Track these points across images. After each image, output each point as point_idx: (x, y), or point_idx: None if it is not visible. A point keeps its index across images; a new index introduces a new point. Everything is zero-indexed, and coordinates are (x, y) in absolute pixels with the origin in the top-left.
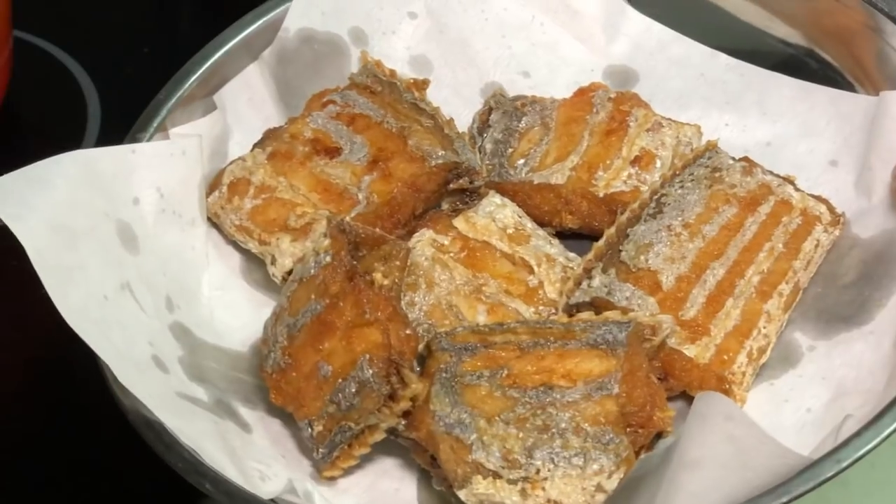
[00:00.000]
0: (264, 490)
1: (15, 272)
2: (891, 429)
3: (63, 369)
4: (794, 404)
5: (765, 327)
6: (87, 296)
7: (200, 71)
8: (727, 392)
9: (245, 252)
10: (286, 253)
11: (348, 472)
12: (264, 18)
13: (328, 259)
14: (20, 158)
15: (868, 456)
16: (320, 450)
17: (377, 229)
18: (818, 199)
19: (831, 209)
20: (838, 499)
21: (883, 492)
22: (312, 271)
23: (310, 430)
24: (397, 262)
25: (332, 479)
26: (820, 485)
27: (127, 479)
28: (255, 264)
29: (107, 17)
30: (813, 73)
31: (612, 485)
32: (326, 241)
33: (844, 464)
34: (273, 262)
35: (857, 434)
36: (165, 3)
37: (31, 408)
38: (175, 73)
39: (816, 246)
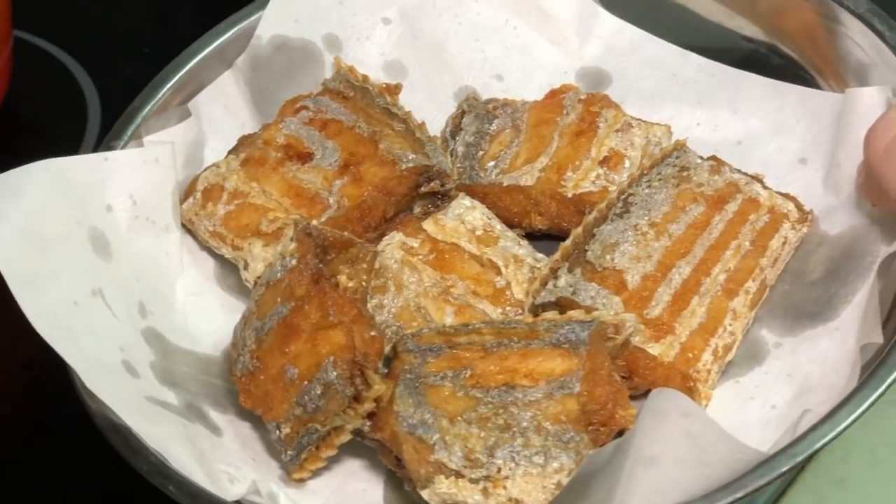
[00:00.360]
0: (233, 492)
1: None
2: (846, 423)
3: (62, 370)
4: (759, 401)
5: (731, 325)
6: (58, 302)
7: (175, 79)
8: (692, 390)
9: (219, 258)
10: (258, 258)
11: (317, 473)
12: (238, 26)
13: (294, 262)
14: (20, 158)
15: (868, 456)
16: (288, 452)
17: (346, 233)
18: (786, 196)
19: (799, 207)
20: (838, 499)
21: (883, 492)
22: (279, 275)
23: (278, 432)
24: (364, 265)
25: (301, 481)
26: (775, 479)
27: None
28: (229, 270)
29: (107, 17)
30: (776, 69)
31: None
32: (293, 245)
33: (799, 458)
34: (246, 267)
35: (813, 428)
36: (165, 3)
37: (30, 408)
38: (172, 61)
39: (784, 243)
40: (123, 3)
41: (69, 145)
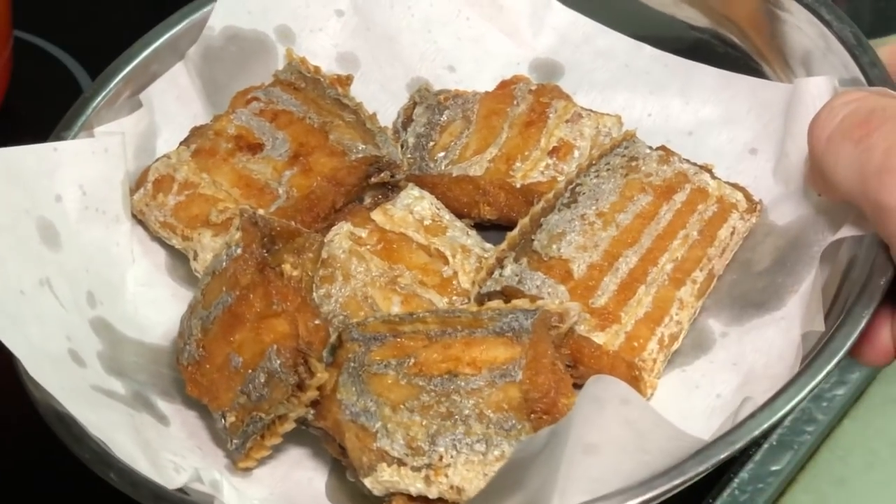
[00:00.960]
0: (178, 481)
1: None
2: (784, 410)
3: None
4: (704, 390)
5: (677, 314)
6: (3, 290)
7: (127, 70)
8: (637, 379)
9: (170, 248)
10: (207, 248)
11: (262, 462)
12: (191, 17)
13: (239, 251)
14: None
15: (868, 456)
16: (234, 441)
17: (294, 223)
18: (735, 186)
19: (748, 197)
20: (838, 499)
21: (883, 492)
22: (224, 264)
23: (223, 421)
24: (310, 255)
25: (247, 469)
26: (713, 466)
27: None
28: (180, 261)
29: (107, 17)
30: (727, 60)
31: None
32: (238, 234)
33: (738, 445)
34: (195, 257)
35: (752, 416)
36: (165, 4)
37: (30, 408)
38: (123, 52)
39: (732, 233)
40: (123, 4)
41: None
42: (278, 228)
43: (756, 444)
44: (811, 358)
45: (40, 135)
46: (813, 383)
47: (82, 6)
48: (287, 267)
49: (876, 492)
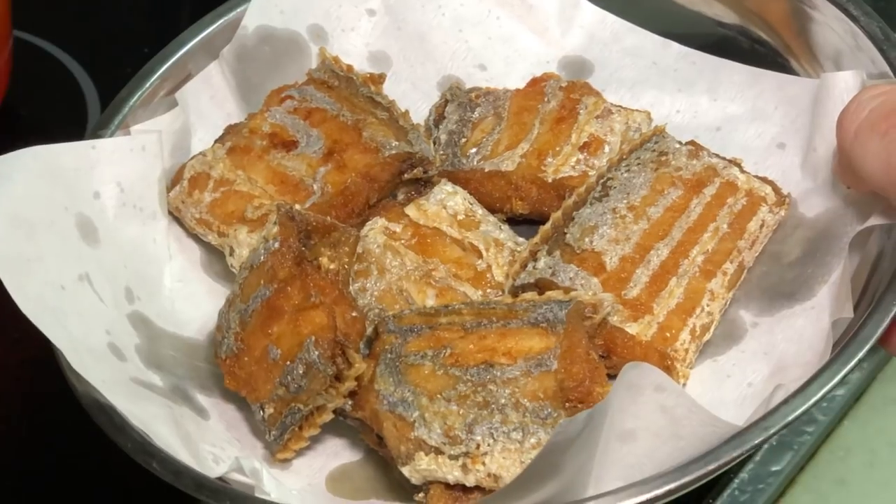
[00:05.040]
0: (217, 471)
1: None
2: (817, 397)
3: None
4: (735, 379)
5: (708, 305)
6: (44, 285)
7: (162, 70)
8: (669, 368)
9: (206, 245)
10: (244, 244)
11: (300, 453)
12: (224, 18)
13: (276, 245)
14: None
15: (868, 456)
16: (272, 432)
17: (329, 218)
18: (764, 180)
19: (777, 190)
20: (838, 499)
21: (883, 492)
22: (262, 258)
23: (262, 413)
24: (346, 248)
25: (285, 461)
26: (748, 451)
27: (127, 478)
28: (216, 256)
29: (106, 17)
30: (755, 56)
31: None
32: (276, 228)
33: (772, 430)
34: (231, 253)
35: (785, 402)
36: (165, 3)
37: (30, 408)
38: (158, 53)
39: (761, 226)
40: (123, 3)
41: None
42: (314, 223)
43: None
44: (842, 345)
45: (40, 135)
46: (845, 370)
47: (82, 6)
48: (324, 260)
49: (876, 492)
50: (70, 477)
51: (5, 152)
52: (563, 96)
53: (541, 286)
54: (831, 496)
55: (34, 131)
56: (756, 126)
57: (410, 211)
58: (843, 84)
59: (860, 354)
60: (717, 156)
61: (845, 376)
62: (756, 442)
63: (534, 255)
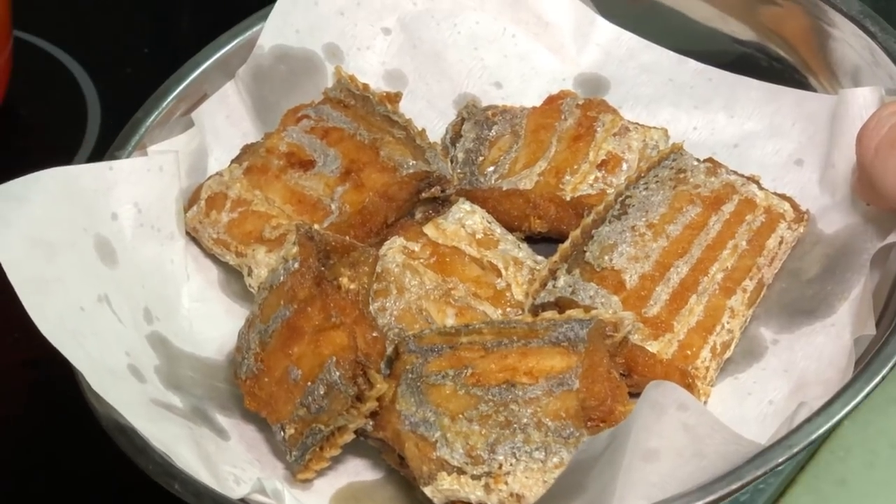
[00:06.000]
0: (238, 492)
1: None
2: (841, 414)
3: (63, 370)
4: (756, 397)
5: (728, 323)
6: (64, 307)
7: (178, 90)
8: (690, 386)
9: (223, 265)
10: (262, 263)
11: (321, 473)
12: (240, 38)
13: (296, 265)
14: (20, 158)
15: (868, 456)
16: (293, 453)
17: (348, 237)
18: (782, 197)
19: (795, 207)
20: (838, 499)
21: (883, 492)
22: (282, 278)
23: (282, 433)
24: (366, 268)
25: (307, 481)
26: (772, 470)
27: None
28: (234, 276)
29: (107, 17)
30: (771, 72)
31: None
32: (295, 249)
33: (795, 449)
34: (250, 273)
35: (808, 420)
36: (165, 3)
37: (30, 408)
38: (174, 73)
39: (780, 243)
40: (123, 4)
41: (69, 145)
42: (333, 243)
43: None
44: (865, 362)
45: (40, 135)
46: (869, 387)
47: (82, 6)
48: (344, 280)
49: (876, 492)
50: (70, 477)
51: (5, 152)
52: (580, 114)
53: (561, 305)
54: (831, 496)
55: (34, 131)
56: (774, 143)
57: (429, 230)
58: (862, 100)
59: (884, 372)
60: (736, 173)
61: (868, 394)
62: (780, 461)
63: (553, 274)
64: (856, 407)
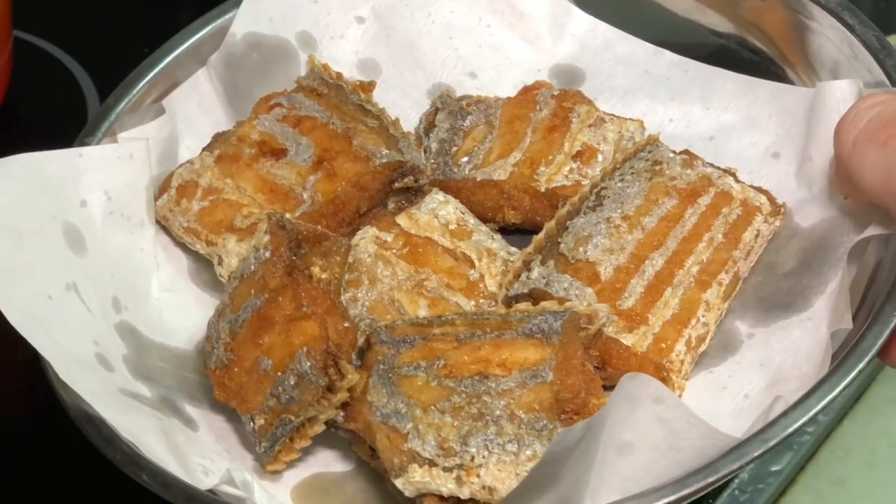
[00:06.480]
0: (207, 483)
1: None
2: (817, 409)
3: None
4: (732, 391)
5: (704, 316)
6: (31, 295)
7: (149, 76)
8: (665, 380)
9: (194, 254)
10: (232, 253)
11: (291, 465)
12: (212, 24)
13: (267, 255)
14: None
15: (868, 456)
16: (262, 444)
17: (320, 227)
18: (759, 190)
19: (772, 200)
20: (838, 499)
21: (883, 492)
22: (252, 267)
23: (252, 424)
24: (337, 258)
25: (276, 472)
26: (747, 464)
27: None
28: (204, 266)
29: (107, 17)
30: (749, 64)
31: None
32: (266, 237)
33: (771, 443)
34: (220, 262)
35: (784, 414)
36: (165, 3)
37: (30, 408)
38: (146, 59)
39: (756, 236)
40: (123, 4)
41: (69, 145)
42: (305, 232)
43: None
44: (842, 357)
45: (40, 135)
46: (845, 382)
47: (82, 6)
48: (316, 270)
49: (876, 492)
50: (71, 478)
51: (6, 152)
52: (556, 105)
53: (535, 296)
54: (831, 496)
55: (34, 131)
56: (750, 135)
57: (402, 220)
58: (839, 93)
59: (860, 366)
60: (712, 165)
61: (844, 388)
62: (755, 455)
63: (527, 265)
64: (832, 401)
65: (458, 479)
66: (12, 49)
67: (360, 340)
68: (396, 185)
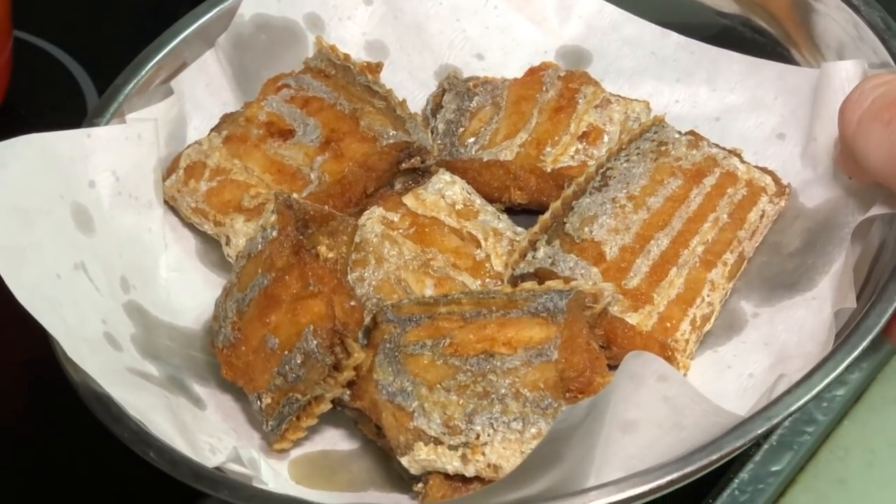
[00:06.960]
0: (214, 461)
1: None
2: (820, 386)
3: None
4: (736, 370)
5: (709, 296)
6: (40, 274)
7: (158, 58)
8: (670, 359)
9: (202, 234)
10: (240, 233)
11: (297, 443)
12: (221, 6)
13: (275, 234)
14: None
15: (868, 456)
16: (269, 422)
17: (327, 207)
18: (764, 170)
19: (777, 180)
20: (838, 499)
21: (882, 491)
22: (260, 246)
23: (259, 403)
24: (344, 237)
25: (283, 451)
26: (750, 441)
27: (127, 478)
28: (212, 246)
29: (107, 17)
30: (754, 46)
31: None
32: (273, 217)
33: (775, 420)
34: (228, 242)
35: (788, 392)
36: (165, 3)
37: (30, 408)
38: (154, 41)
39: (762, 216)
40: (123, 3)
41: None
42: (312, 212)
43: (756, 444)
44: (845, 335)
45: None
46: (848, 360)
47: (82, 6)
48: (323, 249)
49: (876, 492)
50: (70, 477)
51: None
52: (562, 86)
53: (540, 276)
54: (831, 496)
55: (34, 131)
56: (756, 116)
57: (408, 200)
58: (844, 73)
59: (863, 345)
60: (717, 146)
61: (849, 366)
62: (759, 432)
63: (533, 245)
64: (834, 380)
65: (464, 457)
66: (12, 49)
67: (367, 319)
68: (403, 165)
